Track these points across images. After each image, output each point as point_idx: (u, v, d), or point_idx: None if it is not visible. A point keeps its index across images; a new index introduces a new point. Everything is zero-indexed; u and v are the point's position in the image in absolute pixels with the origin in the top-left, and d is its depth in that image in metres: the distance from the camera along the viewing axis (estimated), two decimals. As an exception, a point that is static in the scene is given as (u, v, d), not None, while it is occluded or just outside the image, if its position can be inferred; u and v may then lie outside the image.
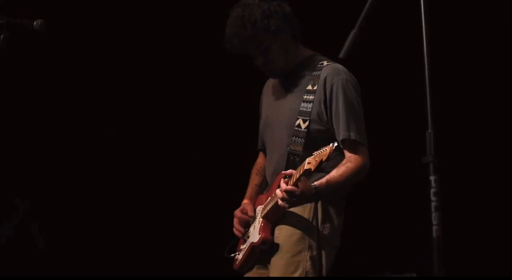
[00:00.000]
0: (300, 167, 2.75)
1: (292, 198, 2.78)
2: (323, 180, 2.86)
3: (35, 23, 2.84)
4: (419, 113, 2.17)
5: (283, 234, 2.95)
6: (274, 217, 2.98)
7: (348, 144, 2.92)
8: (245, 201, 3.23)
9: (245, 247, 3.08)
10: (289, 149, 2.98)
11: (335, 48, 2.41)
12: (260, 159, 3.37)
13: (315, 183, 2.84)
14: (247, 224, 3.13)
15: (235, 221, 3.17)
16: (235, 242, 3.21)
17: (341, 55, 2.20)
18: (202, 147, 4.77)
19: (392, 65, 4.15)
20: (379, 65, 4.16)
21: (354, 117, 2.92)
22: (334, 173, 2.89)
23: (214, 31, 4.45)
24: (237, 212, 3.17)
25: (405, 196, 4.05)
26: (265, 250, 2.98)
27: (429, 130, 2.06)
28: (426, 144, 2.04)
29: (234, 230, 3.17)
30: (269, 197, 3.00)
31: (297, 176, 2.74)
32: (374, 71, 4.15)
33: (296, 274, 2.89)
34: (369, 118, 3.01)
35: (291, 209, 2.94)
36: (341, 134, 2.91)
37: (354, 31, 2.21)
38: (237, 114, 4.53)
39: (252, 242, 3.01)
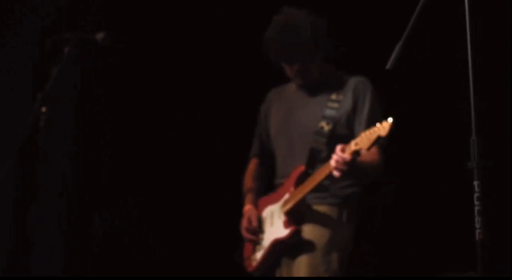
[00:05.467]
0: (348, 146, 2.80)
1: (350, 166, 2.80)
2: (358, 160, 2.89)
3: (98, 36, 2.92)
4: (463, 120, 2.23)
5: (314, 233, 3.03)
6: (298, 212, 3.06)
7: None
8: (247, 206, 3.28)
9: (262, 247, 3.13)
10: (312, 146, 3.08)
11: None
12: (253, 165, 3.44)
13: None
14: (255, 230, 3.20)
15: (244, 231, 3.21)
16: (241, 248, 3.27)
17: (388, 66, 2.26)
18: (201, 147, 4.73)
19: (437, 74, 4.18)
20: (423, 75, 4.20)
21: (376, 121, 2.99)
22: (365, 160, 2.94)
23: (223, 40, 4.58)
24: (244, 222, 3.22)
25: (449, 201, 4.07)
26: (291, 244, 3.02)
27: (472, 137, 2.12)
28: (470, 150, 2.10)
29: (247, 237, 3.20)
30: (287, 194, 3.09)
31: (351, 150, 2.78)
32: (419, 80, 4.19)
33: (326, 275, 2.98)
34: (415, 124, 3.06)
35: (319, 209, 3.06)
36: None
37: (400, 43, 2.28)
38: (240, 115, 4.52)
39: (277, 238, 3.06)
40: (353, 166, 2.81)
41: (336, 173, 2.83)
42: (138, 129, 4.76)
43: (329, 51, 3.20)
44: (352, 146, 2.78)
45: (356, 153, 2.80)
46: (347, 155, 2.78)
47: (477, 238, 2.00)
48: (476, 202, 2.04)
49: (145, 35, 4.74)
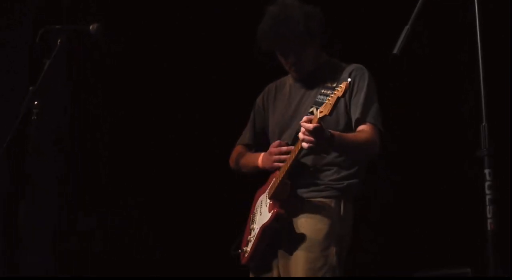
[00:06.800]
0: (314, 116, 2.72)
1: (316, 135, 2.71)
2: (337, 132, 2.84)
3: (91, 27, 2.89)
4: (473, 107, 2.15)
5: (311, 227, 2.95)
6: (282, 194, 2.98)
7: (362, 124, 2.94)
8: (260, 155, 3.18)
9: (253, 236, 3.07)
10: (298, 129, 2.94)
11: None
12: (240, 148, 3.34)
13: (330, 130, 2.81)
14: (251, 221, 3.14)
15: (274, 155, 3.07)
16: (240, 240, 3.19)
17: (395, 51, 2.19)
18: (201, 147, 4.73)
19: (446, 59, 4.13)
20: (432, 60, 4.14)
21: (373, 106, 2.96)
22: (348, 134, 2.90)
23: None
24: (273, 149, 3.08)
25: (460, 190, 4.01)
26: (278, 231, 2.96)
27: (483, 124, 2.03)
28: (481, 138, 2.01)
29: (281, 159, 3.04)
30: (273, 179, 3.03)
31: (317, 118, 2.70)
32: (428, 65, 4.13)
33: (324, 269, 2.91)
34: (422, 112, 2.99)
35: (315, 202, 2.97)
36: (357, 115, 2.93)
37: (407, 27, 2.20)
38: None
39: (263, 224, 2.99)
40: (322, 137, 2.72)
41: (304, 145, 2.74)
42: (138, 129, 4.75)
43: (324, 41, 3.13)
44: (318, 114, 2.70)
45: (322, 121, 2.70)
46: (310, 124, 2.70)
47: (488, 228, 1.90)
48: (487, 191, 1.94)
49: (145, 34, 4.73)
